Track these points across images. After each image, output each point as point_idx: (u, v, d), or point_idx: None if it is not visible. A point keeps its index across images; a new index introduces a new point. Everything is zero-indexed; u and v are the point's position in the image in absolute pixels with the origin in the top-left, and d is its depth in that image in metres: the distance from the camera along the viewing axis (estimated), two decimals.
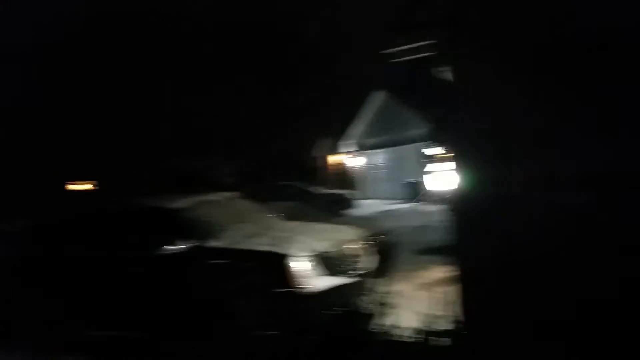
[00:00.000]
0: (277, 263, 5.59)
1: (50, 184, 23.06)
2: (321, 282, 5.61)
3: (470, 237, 3.82)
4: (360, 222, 13.01)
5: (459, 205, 3.94)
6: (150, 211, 6.67)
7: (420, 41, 3.38)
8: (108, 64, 23.79)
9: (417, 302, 6.86)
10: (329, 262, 5.87)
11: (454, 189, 3.92)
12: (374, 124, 21.63)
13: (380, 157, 22.73)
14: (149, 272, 6.13)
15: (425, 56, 3.44)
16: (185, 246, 5.99)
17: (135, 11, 23.53)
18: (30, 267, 6.68)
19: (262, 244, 5.92)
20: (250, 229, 6.58)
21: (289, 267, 5.53)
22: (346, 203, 19.17)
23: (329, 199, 18.78)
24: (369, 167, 23.43)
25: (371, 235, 8.83)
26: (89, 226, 6.88)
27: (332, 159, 25.94)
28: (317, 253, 5.81)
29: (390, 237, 9.28)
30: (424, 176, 16.83)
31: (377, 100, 21.10)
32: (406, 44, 3.42)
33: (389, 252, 8.97)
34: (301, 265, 5.60)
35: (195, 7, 24.57)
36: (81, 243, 6.66)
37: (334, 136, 24.50)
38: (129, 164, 26.02)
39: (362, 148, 23.05)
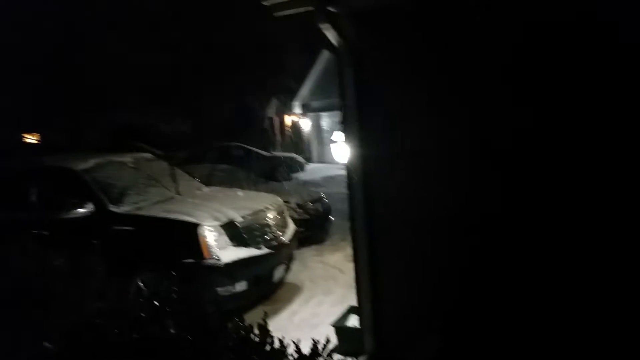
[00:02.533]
0: (185, 232, 5.27)
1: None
2: (230, 253, 5.32)
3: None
4: (299, 187, 12.77)
5: (350, 176, 3.71)
6: (53, 171, 6.19)
7: None
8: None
9: (338, 276, 6.70)
10: (243, 232, 5.58)
11: (348, 160, 3.68)
12: (321, 85, 21.13)
13: (328, 119, 22.40)
14: (52, 235, 5.71)
15: (307, 11, 3.10)
16: (88, 210, 5.60)
17: None
18: None
19: (171, 211, 5.56)
20: (163, 193, 6.19)
21: (198, 236, 5.22)
22: (294, 166, 18.87)
23: (276, 162, 18.43)
24: (317, 130, 23.08)
25: (305, 202, 8.63)
26: None
27: (283, 119, 25.44)
28: (230, 222, 5.50)
29: (326, 204, 9.09)
30: (330, 145, 16.62)
31: (324, 60, 20.53)
32: None
33: (322, 220, 8.81)
34: (211, 235, 5.29)
35: None
36: None
37: (286, 96, 23.93)
38: (78, 116, 24.96)
39: (311, 110, 22.59)
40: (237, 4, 21.32)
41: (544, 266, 3.02)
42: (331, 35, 3.25)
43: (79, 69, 23.91)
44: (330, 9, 3.10)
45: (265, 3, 3.16)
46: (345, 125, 3.79)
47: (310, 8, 3.09)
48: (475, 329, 3.31)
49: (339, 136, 4.79)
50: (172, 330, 1.93)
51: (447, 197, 3.36)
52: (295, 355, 2.06)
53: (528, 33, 2.88)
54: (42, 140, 26.61)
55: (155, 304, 2.07)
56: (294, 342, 2.17)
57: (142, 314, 2.14)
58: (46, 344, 1.84)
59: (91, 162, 6.15)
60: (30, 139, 26.78)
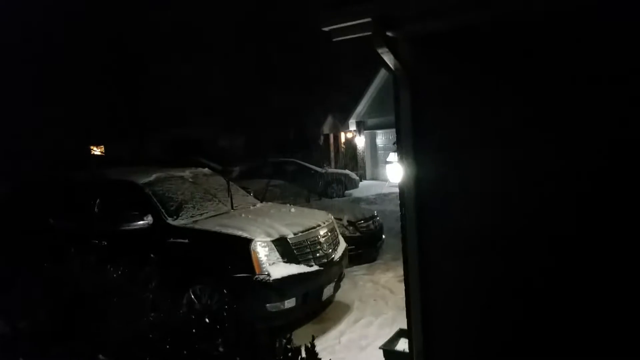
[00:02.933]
0: (237, 246, 5.37)
1: (67, 145, 23.13)
2: (281, 270, 5.36)
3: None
4: (352, 204, 12.74)
5: (402, 198, 3.67)
6: (117, 184, 6.47)
7: (356, 19, 3.06)
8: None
9: (390, 296, 6.61)
10: (294, 248, 5.62)
11: (401, 182, 3.65)
12: (377, 103, 21.10)
13: (383, 137, 22.29)
14: (111, 245, 5.96)
15: (365, 36, 3.11)
16: (147, 222, 5.81)
17: None
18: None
19: (225, 225, 5.67)
20: (219, 208, 6.35)
21: (250, 251, 5.30)
22: (347, 183, 18.87)
23: (329, 178, 18.49)
24: (372, 147, 23.00)
25: (357, 220, 8.60)
26: (57, 195, 6.81)
27: (338, 137, 25.55)
28: (281, 238, 5.56)
29: (378, 223, 9.03)
30: (385, 166, 16.41)
31: (380, 78, 20.51)
32: (341, 22, 3.11)
33: (374, 239, 8.74)
34: (263, 251, 5.36)
35: None
36: (49, 211, 6.58)
37: (341, 113, 24.06)
38: (141, 130, 26.13)
39: (366, 127, 22.57)
40: (296, 22, 21.75)
41: (616, 303, 2.86)
42: (389, 59, 3.26)
43: (143, 85, 25.08)
44: (389, 33, 3.11)
45: (324, 29, 3.20)
46: (400, 147, 3.77)
47: (368, 33, 3.11)
48: None
49: (393, 157, 4.76)
50: (221, 349, 1.96)
51: (503, 225, 3.26)
52: None
53: (600, 62, 2.78)
54: (107, 152, 27.96)
55: (206, 321, 2.12)
56: None
57: (193, 330, 2.18)
58: (101, 357, 1.90)
59: (153, 176, 6.40)
60: (97, 151, 28.20)
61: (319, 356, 2.19)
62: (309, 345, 2.20)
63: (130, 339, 2.00)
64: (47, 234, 6.31)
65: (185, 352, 1.92)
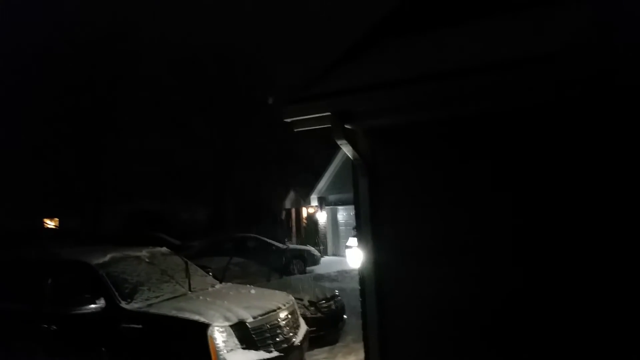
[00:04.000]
0: (194, 332, 5.19)
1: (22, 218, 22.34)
2: (239, 357, 5.18)
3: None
4: (313, 283, 12.59)
5: (362, 284, 3.72)
6: (69, 264, 6.25)
7: (316, 113, 3.23)
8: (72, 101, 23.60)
9: None
10: (253, 333, 5.47)
11: (360, 267, 3.70)
12: (338, 180, 21.51)
13: (344, 213, 22.53)
14: (61, 330, 5.67)
15: (325, 127, 3.27)
16: (99, 305, 5.58)
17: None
18: None
19: (181, 309, 5.50)
20: (176, 290, 6.17)
21: (207, 337, 5.12)
22: (309, 259, 18.73)
23: (291, 254, 18.32)
24: (333, 223, 23.15)
25: (318, 300, 8.47)
26: (5, 274, 6.50)
27: (300, 211, 25.65)
28: (240, 322, 5.41)
29: (340, 302, 8.91)
30: (346, 251, 16.66)
31: (341, 155, 21.04)
32: (302, 115, 3.27)
33: (336, 319, 8.59)
34: (221, 337, 5.19)
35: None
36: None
37: (303, 189, 24.33)
38: (97, 203, 25.53)
39: (327, 203, 22.84)
40: (258, 104, 22.35)
41: None
42: (347, 150, 3.42)
43: (103, 157, 24.81)
44: (347, 126, 3.28)
45: (286, 120, 3.35)
46: (358, 230, 3.85)
47: (328, 125, 3.26)
48: None
49: (353, 242, 4.86)
50: None
51: (455, 301, 3.36)
52: None
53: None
54: (62, 225, 27.07)
55: None
56: None
57: None
58: None
59: (107, 257, 6.21)
60: (50, 224, 27.26)
61: None
62: None
63: None
64: None
65: None
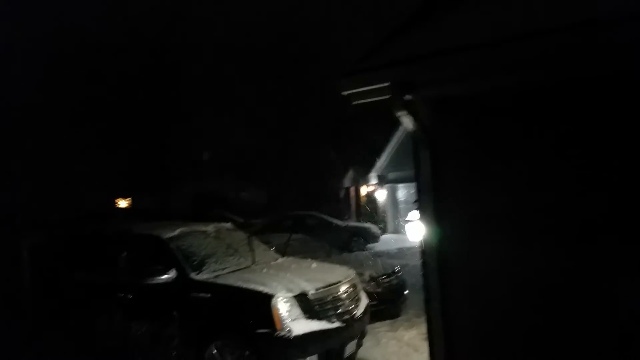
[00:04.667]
0: (259, 302, 5.39)
1: (92, 198, 23.63)
2: (302, 326, 5.35)
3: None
4: (373, 259, 12.64)
5: (424, 257, 3.72)
6: (142, 238, 6.62)
7: (375, 84, 3.22)
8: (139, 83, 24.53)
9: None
10: (315, 305, 5.62)
11: (422, 240, 3.70)
12: (398, 157, 21.32)
13: (404, 191, 22.37)
14: (136, 299, 6.05)
15: (384, 99, 3.26)
16: (170, 276, 5.89)
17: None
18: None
19: (247, 280, 5.72)
20: (240, 262, 6.41)
21: (271, 307, 5.31)
22: (368, 237, 18.78)
23: (351, 232, 18.46)
24: (393, 201, 23.04)
25: (379, 275, 8.54)
26: (86, 248, 6.96)
27: (359, 190, 25.68)
28: (302, 294, 5.57)
29: (401, 278, 8.95)
30: (406, 225, 16.34)
31: (402, 132, 20.80)
32: (360, 87, 3.27)
33: (397, 294, 8.64)
34: (285, 307, 5.37)
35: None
36: (76, 264, 6.72)
37: (363, 167, 24.30)
38: (167, 184, 26.68)
39: (387, 181, 22.72)
40: (319, 77, 22.40)
41: None
42: (407, 121, 3.38)
43: (170, 140, 25.82)
44: (408, 97, 3.25)
45: (343, 93, 3.36)
46: (420, 204, 3.84)
47: (387, 97, 3.25)
48: None
49: (414, 215, 4.84)
50: None
51: (526, 284, 3.28)
52: None
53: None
54: (134, 205, 28.48)
55: None
56: None
57: None
58: None
59: (177, 231, 6.53)
60: (123, 203, 28.75)
61: None
62: None
63: None
64: (74, 287, 6.43)
65: None
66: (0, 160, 18.13)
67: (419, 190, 3.79)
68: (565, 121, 3.05)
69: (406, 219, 15.66)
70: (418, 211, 3.85)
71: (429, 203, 3.66)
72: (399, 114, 3.28)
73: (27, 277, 6.90)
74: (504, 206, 3.34)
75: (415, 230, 3.82)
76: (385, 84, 3.24)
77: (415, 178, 3.80)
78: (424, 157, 3.62)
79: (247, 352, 5.26)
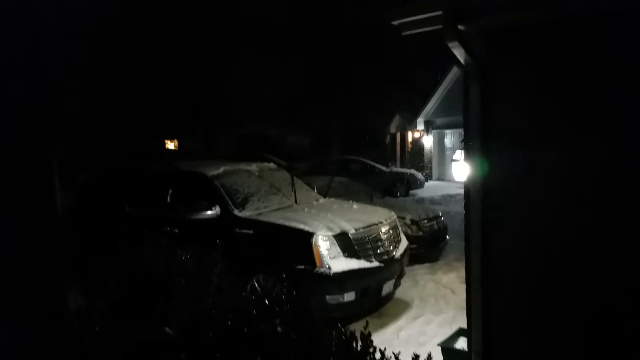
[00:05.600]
0: (300, 239, 5.47)
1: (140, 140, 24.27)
2: (341, 264, 5.42)
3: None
4: (416, 204, 12.58)
5: (467, 197, 3.61)
6: (187, 175, 6.75)
7: (426, 12, 3.03)
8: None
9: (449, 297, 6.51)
10: (355, 244, 5.66)
11: (467, 180, 3.59)
12: (446, 103, 20.71)
13: (451, 137, 21.86)
14: (181, 233, 6.24)
15: (436, 30, 3.08)
16: (215, 212, 6.03)
17: None
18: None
19: (288, 219, 5.79)
20: (283, 201, 6.48)
21: (312, 244, 5.39)
22: (412, 183, 18.65)
23: (394, 177, 18.35)
24: (439, 147, 22.61)
25: (420, 220, 8.50)
26: (133, 185, 7.18)
27: (405, 136, 25.31)
28: (343, 233, 5.61)
29: (442, 223, 8.89)
30: (452, 163, 15.92)
31: (450, 77, 20.13)
32: (411, 15, 3.09)
33: (437, 239, 8.61)
34: (324, 245, 5.44)
35: None
36: (126, 200, 6.96)
37: (409, 113, 23.82)
38: (212, 126, 27.07)
39: (434, 127, 22.22)
40: (366, 20, 21.72)
41: None
42: (459, 53, 3.21)
43: (218, 83, 25.93)
44: (460, 27, 3.06)
45: (393, 22, 3.20)
46: (467, 143, 3.70)
47: (439, 27, 3.08)
48: None
49: (460, 155, 4.69)
50: (279, 329, 2.03)
51: (575, 228, 3.14)
52: None
53: None
54: (180, 147, 29.16)
55: (266, 303, 2.20)
56: (394, 353, 2.16)
57: (254, 311, 2.27)
58: (167, 329, 2.03)
59: (221, 169, 6.62)
60: (170, 145, 29.47)
61: (374, 345, 2.21)
62: (365, 333, 2.23)
63: (195, 316, 2.12)
64: (123, 221, 6.69)
65: (245, 329, 2.01)
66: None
67: (466, 129, 3.64)
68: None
69: (452, 158, 15.34)
70: (464, 150, 3.72)
71: (476, 141, 3.52)
72: (451, 44, 3.10)
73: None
74: (558, 154, 3.16)
75: (461, 169, 3.70)
76: (438, 12, 3.05)
77: (464, 115, 3.65)
78: (474, 93, 3.45)
79: (287, 287, 5.40)
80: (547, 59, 3.17)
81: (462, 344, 4.24)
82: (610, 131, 2.95)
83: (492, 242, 3.60)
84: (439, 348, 4.25)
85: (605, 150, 2.97)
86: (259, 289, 5.51)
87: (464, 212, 3.81)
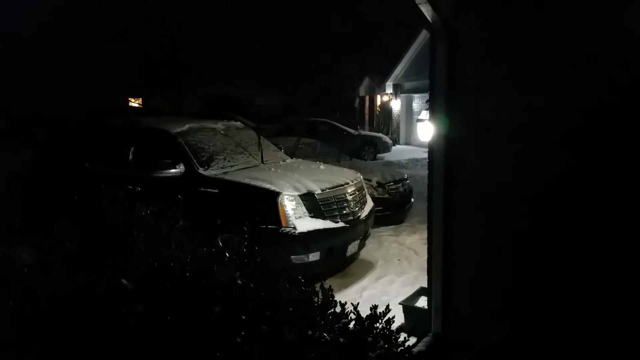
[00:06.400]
0: (265, 199, 5.44)
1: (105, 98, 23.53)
2: (307, 224, 5.43)
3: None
4: (382, 167, 12.67)
5: (431, 156, 3.65)
6: (150, 132, 6.59)
7: None
8: None
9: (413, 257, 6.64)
10: (320, 204, 5.67)
11: (431, 140, 3.61)
12: (415, 67, 20.67)
13: (419, 101, 21.92)
14: (144, 191, 6.12)
15: None
16: (179, 170, 5.93)
17: None
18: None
19: (254, 178, 5.74)
20: (249, 161, 6.41)
21: (277, 204, 5.37)
22: (380, 146, 18.74)
23: (362, 140, 18.39)
24: (407, 111, 22.67)
25: (386, 182, 8.58)
26: (94, 141, 6.97)
27: (374, 99, 25.26)
28: (308, 193, 5.61)
29: (407, 186, 8.99)
30: (417, 124, 16.07)
31: (419, 41, 20.03)
32: None
33: (403, 201, 8.72)
34: (290, 204, 5.43)
35: None
36: (86, 156, 6.77)
37: (378, 76, 23.71)
38: (179, 85, 26.41)
39: (403, 91, 22.22)
40: None
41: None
42: (426, 10, 3.19)
43: (184, 41, 25.18)
44: None
45: None
46: (432, 103, 3.71)
47: None
48: (544, 324, 3.16)
49: (425, 115, 4.69)
50: (239, 281, 2.02)
51: (531, 183, 3.21)
52: (354, 317, 2.09)
53: None
54: (145, 105, 28.44)
55: (227, 256, 2.18)
56: (352, 304, 2.19)
57: (215, 266, 2.25)
58: (124, 281, 2.00)
59: (185, 126, 6.48)
60: (135, 103, 28.69)
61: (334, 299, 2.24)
62: (324, 287, 2.25)
63: (153, 268, 2.09)
64: (83, 178, 6.52)
65: (204, 281, 2.00)
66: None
67: (432, 87, 3.64)
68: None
69: (417, 118, 15.38)
70: (429, 110, 3.73)
71: (440, 100, 3.53)
72: (418, 1, 3.06)
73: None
74: (522, 112, 3.19)
75: (426, 129, 3.73)
76: None
77: (430, 74, 3.64)
78: (440, 51, 3.45)
79: (250, 244, 5.39)
80: (511, 18, 3.17)
81: (422, 302, 4.35)
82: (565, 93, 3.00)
83: (454, 201, 3.66)
84: (401, 307, 4.35)
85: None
86: (220, 247, 5.49)
87: (428, 171, 3.85)
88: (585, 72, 2.90)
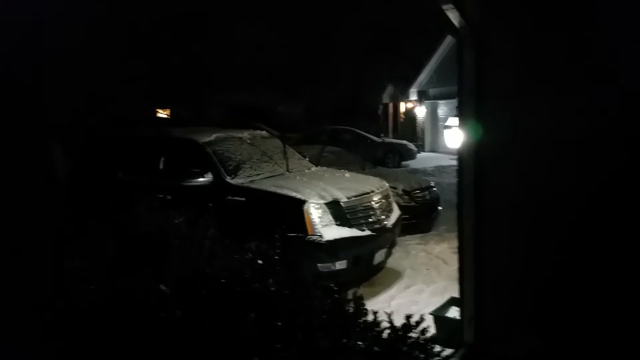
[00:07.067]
0: (291, 207, 5.47)
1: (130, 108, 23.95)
2: (333, 232, 5.44)
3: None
4: (408, 174, 12.61)
5: (461, 164, 3.61)
6: (179, 142, 6.70)
7: None
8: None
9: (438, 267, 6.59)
10: (347, 212, 5.68)
11: (460, 147, 3.59)
12: (440, 73, 20.58)
13: (444, 108, 21.79)
14: (174, 200, 6.21)
15: None
16: (207, 179, 6.02)
17: None
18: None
19: (280, 186, 5.79)
20: (274, 169, 6.46)
21: (303, 212, 5.40)
22: (405, 153, 18.66)
23: (386, 148, 18.36)
24: (432, 118, 22.55)
25: (412, 190, 8.54)
26: (125, 151, 7.11)
27: (397, 106, 25.19)
28: (334, 201, 5.62)
29: (434, 193, 8.93)
30: (444, 131, 15.94)
31: (444, 47, 19.94)
32: None
33: (429, 209, 8.66)
34: (315, 212, 5.45)
35: None
36: (118, 166, 6.90)
37: (402, 83, 23.66)
38: (204, 95, 26.79)
39: (427, 97, 22.12)
40: None
41: None
42: (453, 16, 3.18)
43: (208, 52, 25.53)
44: None
45: None
46: (460, 110, 3.69)
47: None
48: (578, 335, 3.10)
49: (453, 121, 4.66)
50: (272, 288, 2.05)
51: (568, 191, 3.16)
52: (387, 327, 2.09)
53: None
54: (172, 115, 28.89)
55: (260, 263, 2.21)
56: (386, 312, 2.20)
57: (247, 273, 2.29)
58: (162, 287, 2.04)
59: (213, 136, 6.57)
60: (162, 113, 29.15)
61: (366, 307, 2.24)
62: (357, 295, 2.26)
63: (190, 275, 2.14)
64: (117, 188, 6.64)
65: (238, 288, 2.03)
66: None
67: (460, 94, 3.62)
68: None
69: (445, 125, 15.30)
70: (458, 117, 3.71)
71: (470, 107, 3.50)
72: (445, 7, 3.06)
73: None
74: (559, 118, 3.14)
75: (454, 136, 3.69)
76: None
77: (458, 81, 3.62)
78: (468, 56, 3.42)
79: (279, 252, 5.42)
80: (542, 22, 3.14)
81: (453, 313, 4.31)
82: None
83: (484, 212, 3.62)
84: (431, 317, 4.31)
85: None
86: (251, 255, 5.53)
87: (457, 178, 3.82)
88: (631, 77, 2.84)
